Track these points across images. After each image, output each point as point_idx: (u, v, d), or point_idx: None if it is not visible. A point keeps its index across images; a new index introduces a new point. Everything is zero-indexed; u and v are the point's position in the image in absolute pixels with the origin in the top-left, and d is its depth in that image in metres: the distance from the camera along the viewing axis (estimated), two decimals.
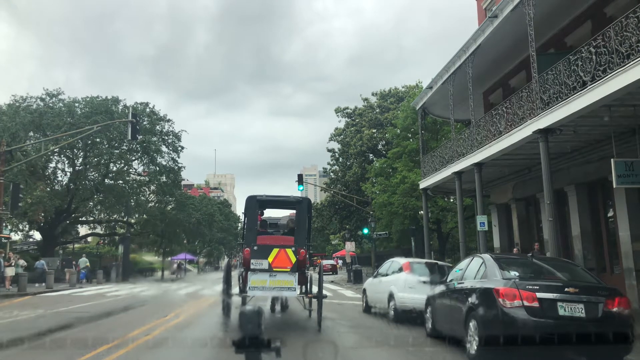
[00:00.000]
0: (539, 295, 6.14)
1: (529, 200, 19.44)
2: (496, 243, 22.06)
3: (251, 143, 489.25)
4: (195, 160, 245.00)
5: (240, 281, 10.32)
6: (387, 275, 12.72)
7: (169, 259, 60.57)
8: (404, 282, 11.46)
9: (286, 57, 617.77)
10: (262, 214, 12.04)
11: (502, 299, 6.22)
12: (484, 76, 19.61)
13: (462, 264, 8.57)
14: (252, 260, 9.72)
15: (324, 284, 11.26)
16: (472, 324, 6.74)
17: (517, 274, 6.78)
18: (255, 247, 9.83)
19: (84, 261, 33.86)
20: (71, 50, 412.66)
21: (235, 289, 10.89)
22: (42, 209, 33.07)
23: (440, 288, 8.99)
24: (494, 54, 17.45)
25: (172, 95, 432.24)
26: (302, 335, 9.49)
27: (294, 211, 11.04)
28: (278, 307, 12.47)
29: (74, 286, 25.87)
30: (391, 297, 11.70)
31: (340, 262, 59.62)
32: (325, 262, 54.10)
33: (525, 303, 6.11)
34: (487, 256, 7.60)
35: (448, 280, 8.76)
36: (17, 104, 35.79)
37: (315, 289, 10.28)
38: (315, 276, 10.80)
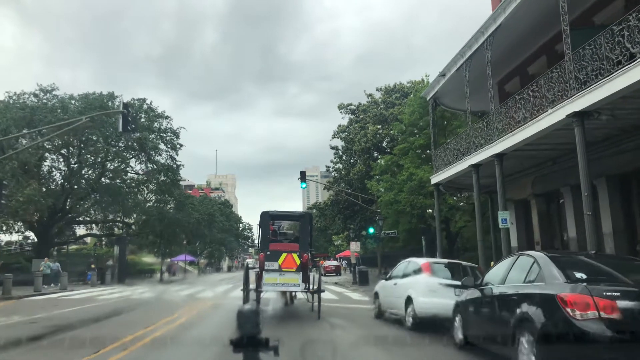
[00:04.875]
0: (621, 304, 4.76)
1: (551, 195, 18.09)
2: (513, 242, 20.64)
3: (254, 144, 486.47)
4: (199, 160, 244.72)
5: (256, 279, 12.30)
6: (403, 277, 11.34)
7: (168, 260, 59.21)
8: (424, 285, 10.09)
9: (293, 57, 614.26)
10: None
11: (570, 309, 4.84)
12: (499, 64, 18.26)
13: (503, 265, 7.18)
14: (265, 263, 11.83)
15: (327, 286, 13.71)
16: (526, 339, 5.37)
17: (583, 275, 5.38)
18: (268, 252, 11.97)
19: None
20: (78, 49, 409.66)
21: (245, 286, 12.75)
22: (34, 208, 31.73)
23: (472, 293, 7.63)
24: (513, 37, 16.11)
25: (178, 95, 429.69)
26: (313, 345, 8.24)
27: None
28: (288, 301, 15.04)
29: (65, 289, 24.58)
30: (409, 302, 10.34)
31: (344, 263, 58.27)
32: (327, 263, 52.78)
33: (603, 314, 4.71)
34: (539, 254, 6.17)
35: (483, 284, 7.39)
36: (11, 101, 34.52)
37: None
38: (317, 276, 12.83)
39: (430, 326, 9.77)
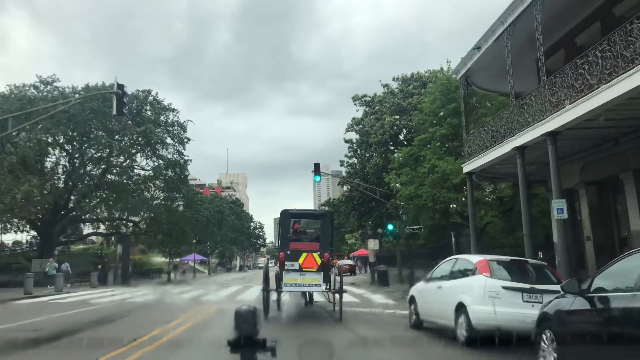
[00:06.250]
0: None
1: (605, 183, 15.72)
2: (555, 237, 18.30)
3: (265, 143, 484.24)
4: (210, 160, 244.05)
5: (276, 279, 11.90)
6: (450, 278, 9.11)
7: (177, 259, 57.50)
8: (482, 289, 7.85)
9: (305, 56, 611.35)
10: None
11: None
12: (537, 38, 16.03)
13: (626, 263, 4.94)
14: (285, 262, 11.56)
15: (345, 286, 12.47)
16: None
17: None
18: (288, 252, 11.71)
19: None
20: (91, 50, 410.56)
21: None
22: (33, 205, 29.94)
23: (572, 302, 5.40)
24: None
25: (191, 95, 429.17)
26: None
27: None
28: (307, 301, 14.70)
29: (60, 291, 22.73)
30: (461, 310, 8.12)
31: (358, 262, 56.13)
32: (342, 262, 50.57)
33: None
34: None
35: (591, 289, 5.16)
36: (12, 95, 32.83)
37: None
38: (337, 277, 12.45)
39: (490, 341, 7.55)
